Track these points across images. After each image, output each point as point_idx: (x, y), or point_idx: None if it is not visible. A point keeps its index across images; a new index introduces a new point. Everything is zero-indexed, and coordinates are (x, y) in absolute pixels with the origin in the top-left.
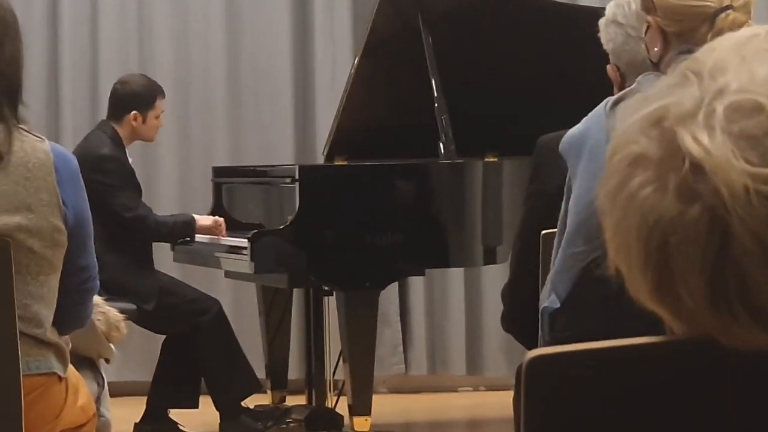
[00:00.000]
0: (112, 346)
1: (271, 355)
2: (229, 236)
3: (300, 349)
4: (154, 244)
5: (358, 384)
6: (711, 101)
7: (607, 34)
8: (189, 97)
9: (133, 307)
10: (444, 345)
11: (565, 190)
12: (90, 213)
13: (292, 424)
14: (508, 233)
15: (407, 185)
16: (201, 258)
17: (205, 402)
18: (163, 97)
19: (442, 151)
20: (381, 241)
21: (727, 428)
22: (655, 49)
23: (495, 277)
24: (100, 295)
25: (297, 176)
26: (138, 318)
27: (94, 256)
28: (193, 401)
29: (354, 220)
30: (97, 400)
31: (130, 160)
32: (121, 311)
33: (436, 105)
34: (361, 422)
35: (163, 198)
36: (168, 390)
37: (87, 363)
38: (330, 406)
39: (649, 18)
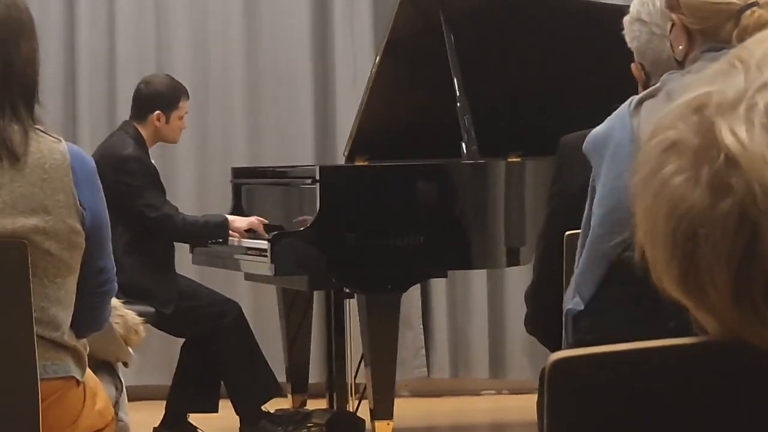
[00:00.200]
0: (131, 350)
1: (292, 359)
2: (248, 238)
3: (321, 352)
4: (174, 246)
5: (379, 387)
6: (754, 94)
7: (631, 32)
8: (207, 97)
9: (152, 310)
10: (467, 348)
11: (588, 190)
12: (107, 214)
13: (313, 429)
14: (532, 234)
15: (429, 186)
16: (220, 260)
17: (225, 406)
18: (187, 98)
19: (465, 151)
20: (403, 243)
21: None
22: (680, 47)
23: (518, 278)
24: (118, 297)
25: (317, 177)
26: (157, 321)
27: (112, 258)
28: (212, 405)
29: (375, 221)
30: (116, 405)
31: (153, 162)
32: (140, 314)
33: (458, 104)
34: (383, 426)
35: (181, 199)
36: (187, 394)
37: (105, 367)
38: (351, 410)
39: (674, 16)
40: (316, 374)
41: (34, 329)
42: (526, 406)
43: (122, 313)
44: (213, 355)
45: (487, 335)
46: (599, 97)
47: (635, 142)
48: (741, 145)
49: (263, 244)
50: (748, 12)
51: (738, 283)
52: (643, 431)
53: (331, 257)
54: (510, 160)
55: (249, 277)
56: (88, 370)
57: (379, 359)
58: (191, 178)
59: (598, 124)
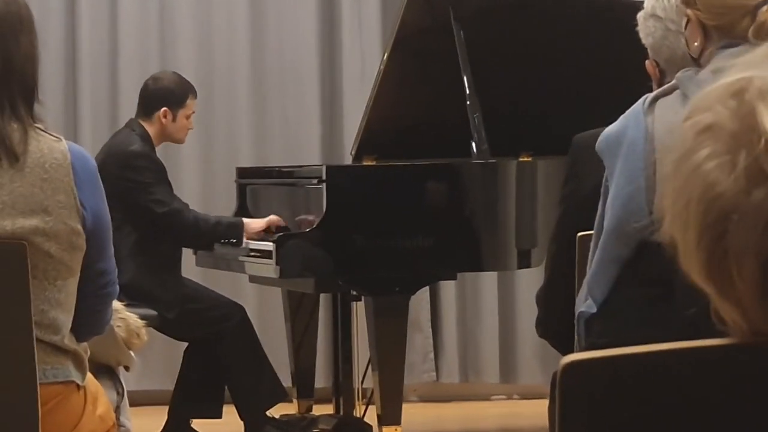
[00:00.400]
0: (133, 354)
1: (298, 363)
2: (255, 239)
3: (327, 356)
4: (182, 249)
5: (387, 392)
6: None
7: (645, 29)
8: (212, 95)
9: (154, 313)
10: (476, 352)
11: (601, 190)
12: (109, 215)
13: None
14: (543, 235)
15: (438, 186)
16: (224, 262)
17: (229, 411)
18: (195, 97)
19: (475, 150)
20: (411, 244)
21: None
22: (695, 43)
23: (529, 281)
24: (120, 300)
25: (324, 177)
26: (159, 324)
27: (114, 259)
28: (216, 411)
29: (383, 222)
30: (117, 410)
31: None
32: (142, 317)
33: (468, 103)
34: None
35: (185, 199)
36: (190, 399)
37: (106, 371)
38: (358, 415)
39: (689, 12)
40: (322, 379)
41: (34, 333)
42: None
43: (124, 316)
44: (217, 359)
45: (497, 339)
46: (612, 96)
47: (649, 140)
48: None
49: (268, 245)
50: (765, 8)
51: (766, 273)
52: None
53: (337, 259)
54: (521, 159)
55: (254, 279)
56: (89, 375)
57: (387, 363)
58: (195, 178)
59: (612, 123)
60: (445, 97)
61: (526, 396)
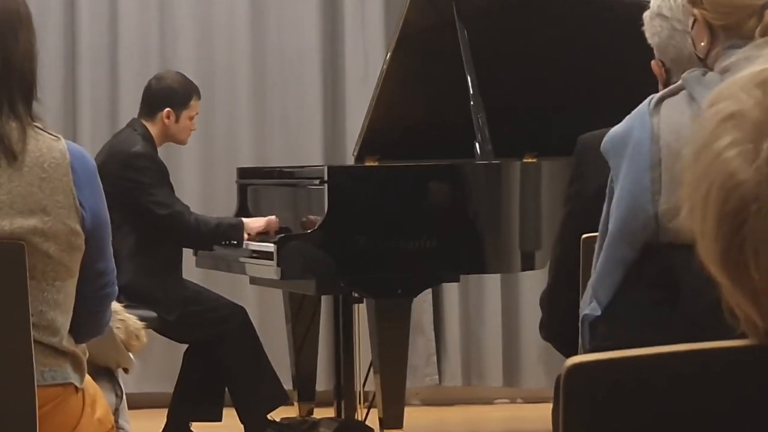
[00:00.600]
0: (132, 356)
1: (299, 366)
2: (256, 240)
3: (329, 359)
4: (182, 251)
5: (389, 396)
6: None
7: (651, 28)
8: (213, 94)
9: (154, 314)
10: (480, 355)
11: (606, 191)
12: (108, 215)
13: None
14: (547, 237)
15: (441, 187)
16: (225, 263)
17: (229, 415)
18: (199, 98)
19: (478, 151)
20: (414, 246)
21: None
22: (702, 43)
23: (533, 283)
24: (119, 301)
25: (326, 177)
26: (159, 326)
27: (113, 260)
28: (216, 414)
29: (385, 223)
30: (116, 412)
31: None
32: (142, 319)
33: (471, 103)
34: None
35: (185, 200)
36: (190, 402)
37: (105, 373)
38: (360, 419)
39: (696, 11)
40: (323, 382)
41: (32, 334)
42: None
43: (123, 318)
44: (217, 361)
45: (500, 342)
46: (618, 96)
47: (655, 141)
48: None
49: (269, 246)
50: None
51: None
52: None
53: (339, 260)
54: (525, 160)
55: (254, 281)
56: (88, 377)
57: (389, 366)
58: (195, 178)
59: (617, 123)
60: (448, 97)
61: (529, 400)
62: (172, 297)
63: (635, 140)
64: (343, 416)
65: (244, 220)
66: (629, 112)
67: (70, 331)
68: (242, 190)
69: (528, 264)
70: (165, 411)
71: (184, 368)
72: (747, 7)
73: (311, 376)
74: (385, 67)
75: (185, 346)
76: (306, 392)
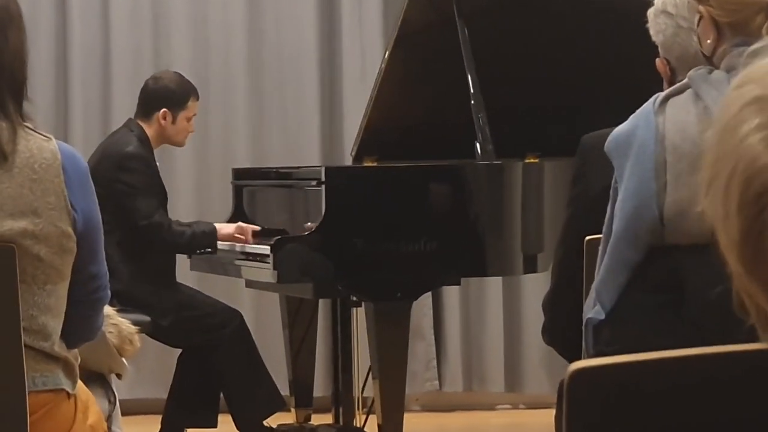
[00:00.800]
0: (125, 361)
1: (296, 371)
2: (255, 243)
3: (326, 364)
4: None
5: (388, 402)
6: None
7: (656, 26)
8: (208, 94)
9: (148, 319)
10: (481, 359)
11: (610, 192)
12: (100, 217)
13: None
14: (550, 240)
15: (441, 188)
16: (220, 266)
17: (224, 421)
18: (197, 99)
19: (479, 151)
20: (413, 248)
21: None
22: (708, 41)
23: (536, 286)
24: (112, 305)
25: (323, 178)
26: (153, 331)
27: (105, 263)
28: (211, 420)
29: (384, 225)
30: (108, 419)
31: (157, 164)
32: (135, 323)
33: (472, 102)
34: None
35: (180, 202)
36: (184, 408)
37: (97, 378)
38: (358, 425)
39: (702, 8)
40: (321, 387)
41: (23, 339)
42: (543, 421)
43: (116, 322)
44: (212, 366)
45: (502, 346)
46: (622, 95)
47: (660, 141)
48: None
49: (265, 249)
50: None
51: None
52: None
53: (337, 263)
54: (527, 160)
55: (250, 284)
56: (80, 383)
57: (388, 372)
58: (190, 179)
59: (621, 123)
60: (448, 96)
61: (532, 405)
62: (166, 301)
63: (640, 140)
64: (341, 423)
65: (217, 226)
66: (633, 111)
67: (62, 335)
68: (238, 192)
69: (530, 266)
70: (159, 417)
71: (177, 373)
72: (754, 4)
73: (308, 382)
74: (383, 66)
75: (179, 351)
76: (303, 398)
